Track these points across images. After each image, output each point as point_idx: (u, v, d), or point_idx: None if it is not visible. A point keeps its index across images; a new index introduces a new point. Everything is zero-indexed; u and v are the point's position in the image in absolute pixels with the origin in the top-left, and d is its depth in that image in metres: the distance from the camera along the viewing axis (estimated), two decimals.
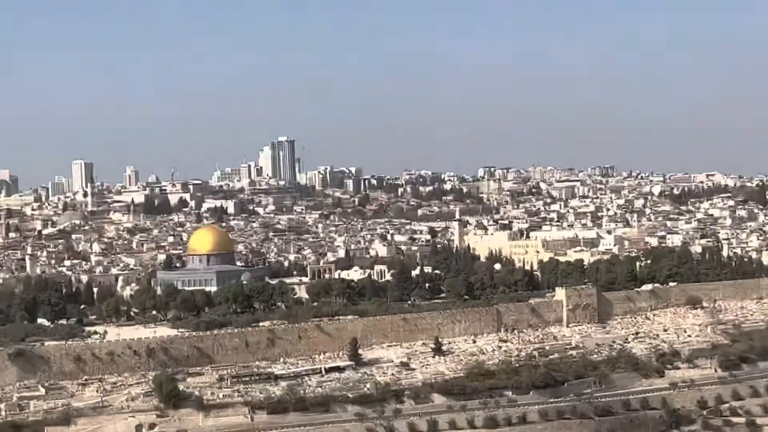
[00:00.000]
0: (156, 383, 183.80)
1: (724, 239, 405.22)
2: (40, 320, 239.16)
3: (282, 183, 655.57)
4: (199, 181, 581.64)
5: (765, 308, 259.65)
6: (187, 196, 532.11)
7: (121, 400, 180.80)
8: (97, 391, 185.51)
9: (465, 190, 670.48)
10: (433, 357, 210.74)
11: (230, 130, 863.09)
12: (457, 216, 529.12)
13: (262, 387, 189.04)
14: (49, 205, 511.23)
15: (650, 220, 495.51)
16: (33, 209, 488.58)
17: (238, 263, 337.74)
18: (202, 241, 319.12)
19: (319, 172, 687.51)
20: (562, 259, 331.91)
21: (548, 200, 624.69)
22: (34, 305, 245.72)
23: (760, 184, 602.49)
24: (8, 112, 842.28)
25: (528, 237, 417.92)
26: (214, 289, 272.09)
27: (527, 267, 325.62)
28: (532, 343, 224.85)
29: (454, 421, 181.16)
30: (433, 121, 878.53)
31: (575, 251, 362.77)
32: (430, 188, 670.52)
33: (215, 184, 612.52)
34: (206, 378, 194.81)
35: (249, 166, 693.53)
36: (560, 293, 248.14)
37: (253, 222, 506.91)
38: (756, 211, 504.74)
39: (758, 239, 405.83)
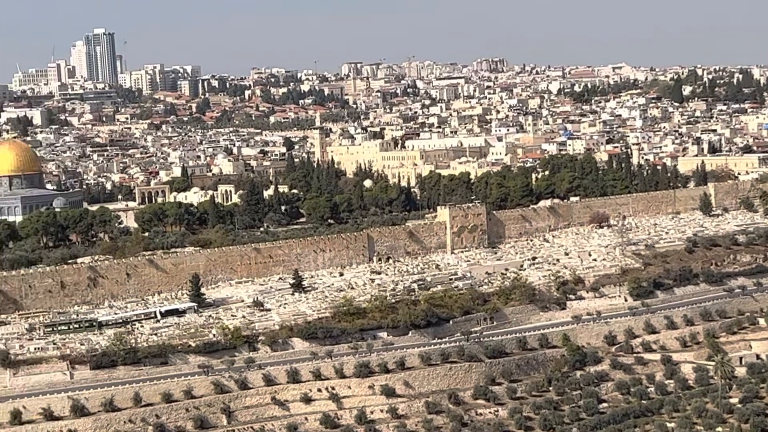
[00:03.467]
0: None
1: (633, 144, 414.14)
2: None
3: (101, 86, 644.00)
4: None
5: (682, 225, 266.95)
6: None
7: None
8: None
9: (327, 91, 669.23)
10: (292, 294, 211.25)
11: (33, 21, 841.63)
12: (318, 123, 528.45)
13: (84, 337, 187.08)
14: None
15: (548, 124, 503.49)
16: None
17: (48, 186, 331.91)
18: (2, 159, 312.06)
19: (146, 72, 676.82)
20: (444, 172, 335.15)
21: (427, 102, 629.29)
22: None
23: (676, 77, 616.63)
24: None
25: (403, 147, 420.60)
26: (19, 218, 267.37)
27: (403, 183, 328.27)
28: (410, 274, 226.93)
29: (319, 370, 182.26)
30: (285, 5, 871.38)
31: (460, 163, 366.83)
32: (284, 90, 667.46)
33: (16, 89, 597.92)
34: (13, 328, 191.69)
35: (58, 65, 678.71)
36: (443, 213, 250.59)
37: (66, 135, 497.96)
38: (671, 110, 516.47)
39: (673, 143, 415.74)
